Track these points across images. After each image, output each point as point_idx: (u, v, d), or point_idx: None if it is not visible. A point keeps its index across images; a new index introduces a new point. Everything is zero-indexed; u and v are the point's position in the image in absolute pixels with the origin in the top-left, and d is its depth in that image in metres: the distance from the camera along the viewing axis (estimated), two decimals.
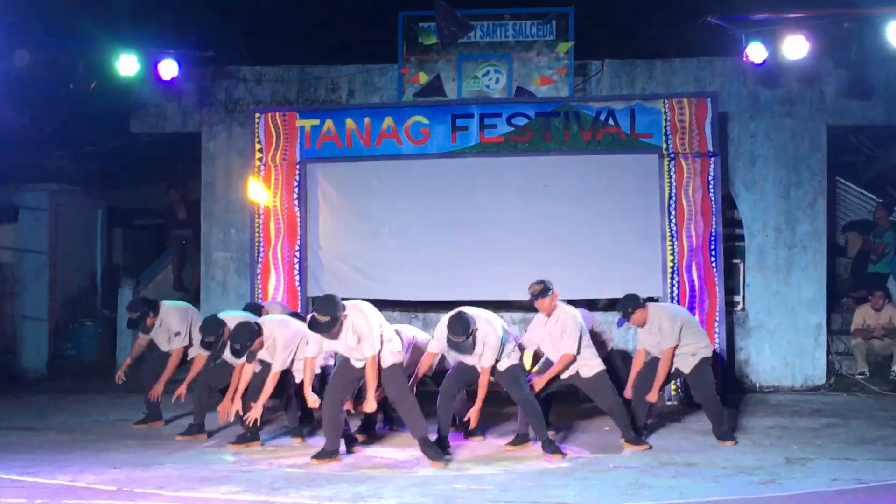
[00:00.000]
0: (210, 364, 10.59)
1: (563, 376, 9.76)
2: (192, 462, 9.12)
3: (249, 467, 8.93)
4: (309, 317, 9.12)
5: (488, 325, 9.37)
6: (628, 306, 9.99)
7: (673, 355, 9.92)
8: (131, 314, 11.16)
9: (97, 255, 17.45)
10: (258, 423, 9.77)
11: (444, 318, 9.41)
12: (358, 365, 9.11)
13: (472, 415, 9.41)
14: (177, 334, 11.07)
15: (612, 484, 8.24)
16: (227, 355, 10.11)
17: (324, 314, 8.87)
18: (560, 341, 9.67)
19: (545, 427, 9.47)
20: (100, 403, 12.76)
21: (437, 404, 9.53)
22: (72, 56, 13.18)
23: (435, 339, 9.58)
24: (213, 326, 10.06)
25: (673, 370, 10.03)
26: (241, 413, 9.69)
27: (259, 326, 9.71)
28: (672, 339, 9.90)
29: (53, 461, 9.12)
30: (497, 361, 9.40)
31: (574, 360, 9.66)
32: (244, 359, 9.75)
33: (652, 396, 9.92)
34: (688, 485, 8.19)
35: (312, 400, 9.17)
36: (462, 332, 9.13)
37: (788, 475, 8.49)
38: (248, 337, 9.59)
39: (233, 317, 10.29)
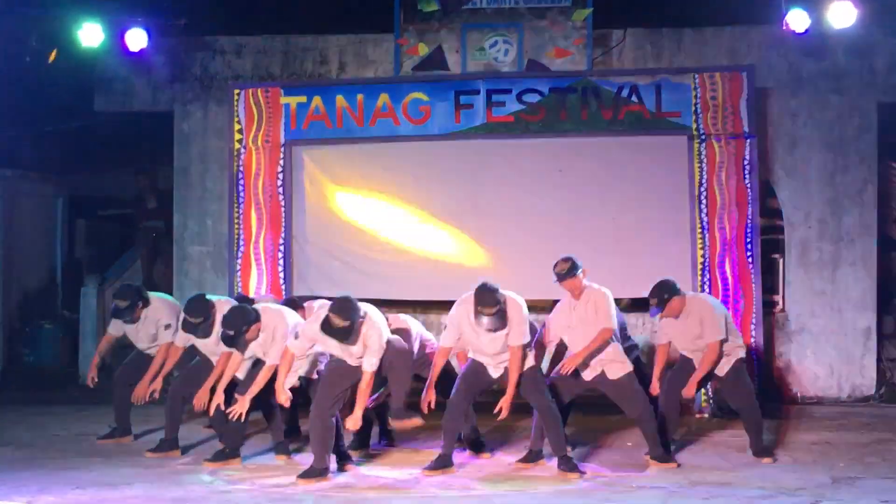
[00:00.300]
0: (183, 363, 10.58)
1: (587, 377, 9.69)
2: (164, 482, 9.11)
3: (228, 487, 8.94)
4: (321, 316, 9.02)
5: (513, 299, 9.35)
6: (664, 293, 9.84)
7: (720, 350, 9.85)
8: (120, 302, 10.82)
9: (57, 250, 17.48)
10: (240, 439, 9.77)
11: (461, 299, 9.37)
12: (354, 364, 9.09)
13: (504, 404, 9.27)
14: (167, 326, 10.81)
15: None
16: (207, 347, 10.07)
17: (343, 318, 8.83)
18: (594, 325, 9.60)
19: (564, 441, 9.44)
20: (60, 416, 12.76)
21: (443, 417, 9.50)
22: (27, 24, 13.18)
23: (449, 326, 9.41)
24: (200, 306, 9.90)
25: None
26: (223, 407, 9.58)
27: (256, 312, 9.59)
28: (719, 330, 9.76)
29: (8, 481, 9.11)
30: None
31: (611, 339, 9.63)
32: (230, 349, 9.66)
33: (689, 390, 9.76)
34: None
35: (285, 397, 9.24)
36: (493, 302, 9.08)
37: (834, 496, 8.48)
38: (243, 322, 9.37)
39: (224, 300, 10.25)
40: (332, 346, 9.11)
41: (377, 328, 9.04)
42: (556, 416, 9.37)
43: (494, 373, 9.51)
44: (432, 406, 9.39)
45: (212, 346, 10.05)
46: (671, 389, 9.98)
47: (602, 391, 9.89)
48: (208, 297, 10.18)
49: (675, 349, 10.13)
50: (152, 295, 11.19)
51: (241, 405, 9.46)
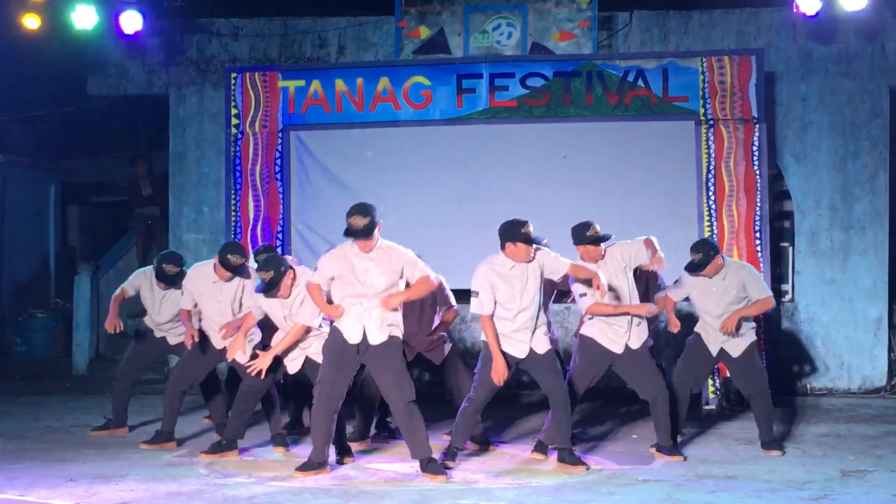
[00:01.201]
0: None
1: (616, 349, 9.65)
2: (159, 474, 9.13)
3: (225, 480, 8.94)
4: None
5: None
6: (710, 249, 9.82)
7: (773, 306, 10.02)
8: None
9: (50, 237, 17.51)
10: (240, 431, 9.78)
11: (479, 269, 9.27)
12: (371, 294, 8.94)
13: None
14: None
15: (641, 499, 8.25)
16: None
17: (363, 216, 8.75)
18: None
19: (570, 432, 9.41)
20: (53, 407, 12.79)
21: (459, 412, 9.48)
22: (19, 6, 13.17)
23: (482, 292, 9.17)
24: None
25: (716, 353, 9.95)
26: (244, 356, 9.59)
27: (289, 264, 9.46)
28: (765, 287, 9.91)
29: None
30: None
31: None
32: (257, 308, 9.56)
33: (730, 323, 9.71)
34: (727, 500, 8.19)
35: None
36: (526, 223, 9.15)
37: (843, 490, 8.49)
38: (280, 263, 9.25)
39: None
40: (349, 275, 8.89)
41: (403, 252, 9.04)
42: (566, 402, 9.26)
43: (516, 349, 9.29)
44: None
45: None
46: (685, 373, 10.01)
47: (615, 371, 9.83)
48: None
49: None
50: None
51: (263, 361, 9.34)
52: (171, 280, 10.40)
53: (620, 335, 9.57)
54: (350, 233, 8.77)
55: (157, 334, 10.99)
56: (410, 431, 8.92)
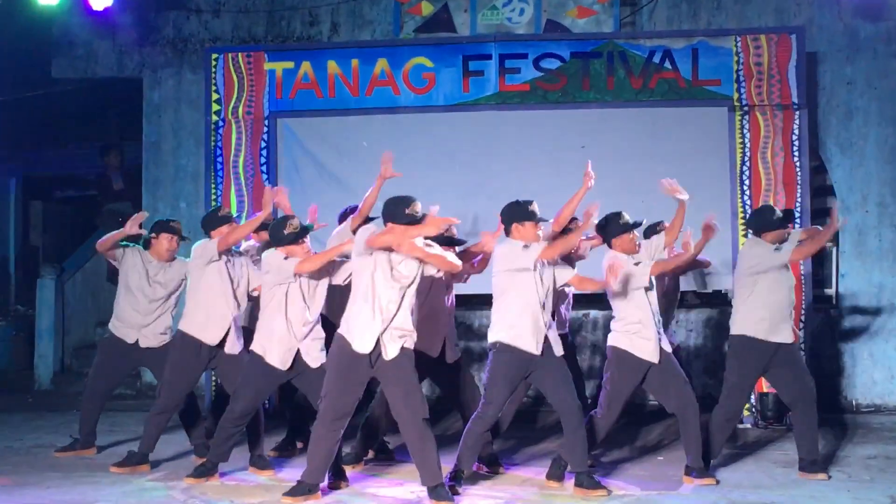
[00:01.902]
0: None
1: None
2: (130, 501, 9.14)
3: None
4: None
5: None
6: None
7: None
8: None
9: (9, 237, 17.52)
10: (226, 453, 9.77)
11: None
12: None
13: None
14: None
15: None
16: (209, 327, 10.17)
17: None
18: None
19: (586, 454, 9.41)
20: (14, 425, 12.80)
21: (465, 431, 9.47)
22: None
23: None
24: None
25: (766, 345, 9.92)
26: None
27: None
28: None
29: None
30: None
31: None
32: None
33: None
34: None
35: None
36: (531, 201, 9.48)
37: None
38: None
39: None
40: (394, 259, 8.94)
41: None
42: (580, 421, 9.28)
43: (535, 347, 9.28)
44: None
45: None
46: (731, 401, 10.01)
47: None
48: None
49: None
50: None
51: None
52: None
53: (650, 338, 9.60)
54: (414, 220, 8.91)
55: (129, 338, 10.96)
56: (421, 454, 8.89)
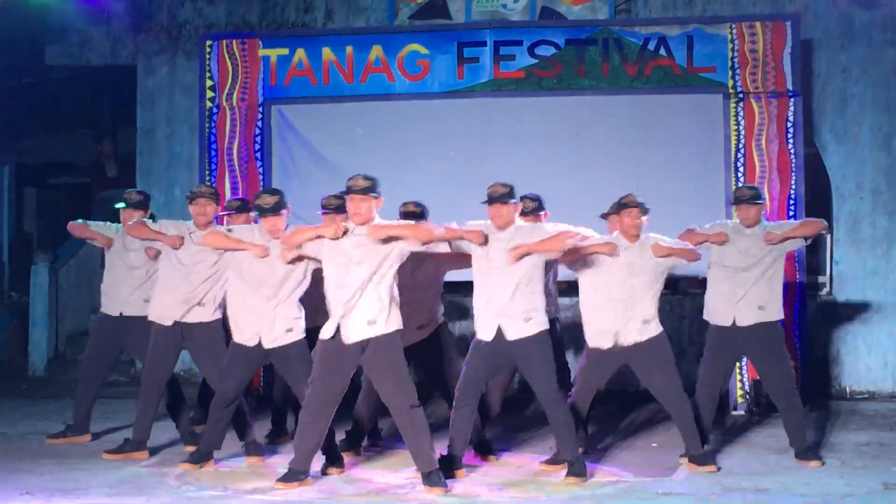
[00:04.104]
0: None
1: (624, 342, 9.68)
2: (124, 487, 9.13)
3: (198, 494, 8.95)
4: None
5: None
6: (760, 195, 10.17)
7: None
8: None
9: (3, 223, 17.50)
10: (219, 440, 9.78)
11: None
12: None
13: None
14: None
15: None
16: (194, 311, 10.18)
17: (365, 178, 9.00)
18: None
19: (576, 442, 9.44)
20: (7, 412, 12.79)
21: (451, 415, 9.49)
22: None
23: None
24: None
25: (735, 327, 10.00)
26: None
27: None
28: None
29: None
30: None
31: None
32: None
33: (774, 238, 9.97)
34: None
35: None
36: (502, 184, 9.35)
37: None
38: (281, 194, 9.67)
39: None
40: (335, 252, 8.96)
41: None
42: (564, 411, 9.25)
43: (487, 334, 9.28)
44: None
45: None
46: (711, 374, 10.06)
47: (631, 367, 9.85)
48: None
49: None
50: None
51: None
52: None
53: (606, 329, 9.67)
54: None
55: (114, 310, 10.99)
56: (414, 441, 8.92)
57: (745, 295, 9.91)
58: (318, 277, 9.27)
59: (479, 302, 9.31)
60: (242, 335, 9.50)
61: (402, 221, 9.11)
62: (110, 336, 11.05)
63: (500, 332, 9.17)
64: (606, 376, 9.88)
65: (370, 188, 8.90)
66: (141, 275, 10.96)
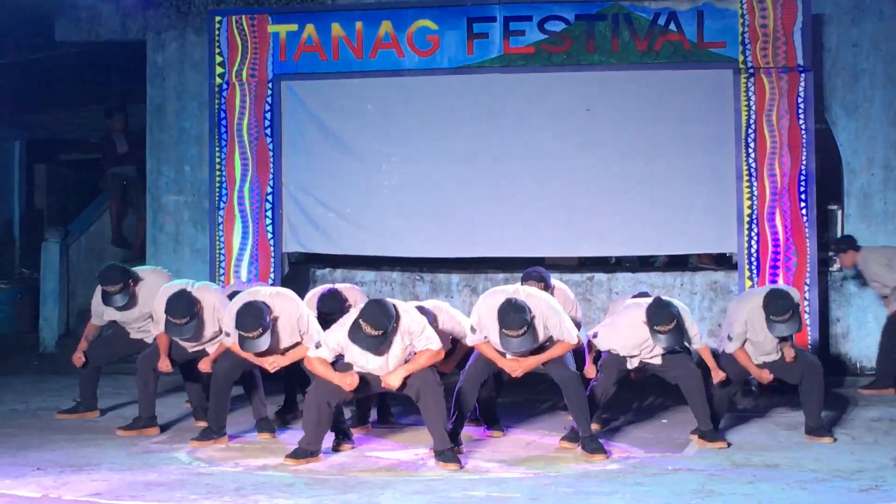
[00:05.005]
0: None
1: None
2: (136, 463, 9.16)
3: (209, 469, 8.97)
4: (347, 323, 9.02)
5: (539, 301, 9.42)
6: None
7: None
8: (109, 287, 10.70)
9: (14, 200, 17.50)
10: (224, 416, 9.83)
11: (482, 306, 9.44)
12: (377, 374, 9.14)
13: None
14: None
15: (672, 490, 8.27)
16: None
17: (374, 327, 8.80)
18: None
19: (589, 419, 9.46)
20: (18, 388, 12.83)
21: (457, 389, 9.53)
22: None
23: (478, 329, 9.50)
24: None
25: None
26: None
27: (264, 307, 9.57)
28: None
29: None
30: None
31: None
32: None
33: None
34: (767, 491, 8.20)
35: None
36: (519, 324, 9.10)
37: None
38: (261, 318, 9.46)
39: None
40: (357, 356, 9.06)
41: (415, 317, 9.12)
42: (579, 389, 9.36)
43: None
44: None
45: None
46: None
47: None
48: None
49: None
50: (141, 269, 11.24)
51: (279, 360, 9.77)
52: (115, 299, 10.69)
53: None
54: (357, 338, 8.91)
55: (134, 335, 11.09)
56: (433, 417, 8.99)
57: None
58: None
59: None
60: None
61: (421, 354, 9.05)
62: (126, 342, 11.16)
63: None
64: (626, 369, 9.93)
65: (384, 334, 8.87)
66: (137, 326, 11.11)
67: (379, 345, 8.82)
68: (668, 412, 11.22)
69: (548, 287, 10.41)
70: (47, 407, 11.58)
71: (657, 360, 9.72)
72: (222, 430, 9.91)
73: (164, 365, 10.23)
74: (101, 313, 11.05)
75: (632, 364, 9.79)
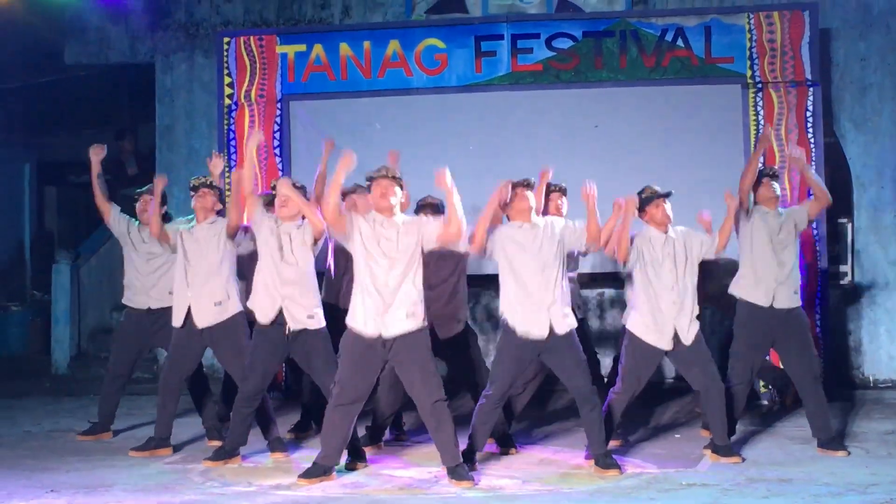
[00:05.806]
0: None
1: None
2: (149, 484, 9.16)
3: (222, 490, 8.97)
4: None
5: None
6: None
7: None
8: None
9: (24, 222, 17.53)
10: (244, 436, 9.79)
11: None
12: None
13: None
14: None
15: None
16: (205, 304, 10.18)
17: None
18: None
19: (604, 435, 9.40)
20: (31, 409, 12.83)
21: (475, 410, 9.45)
22: None
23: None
24: None
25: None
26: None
27: None
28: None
29: None
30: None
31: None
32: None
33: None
34: None
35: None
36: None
37: None
38: None
39: None
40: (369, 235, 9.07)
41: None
42: (596, 404, 9.30)
43: (540, 330, 9.22)
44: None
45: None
46: (750, 351, 10.05)
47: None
48: None
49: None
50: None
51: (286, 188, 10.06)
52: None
53: (661, 330, 9.59)
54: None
55: (139, 304, 11.07)
56: (438, 435, 8.93)
57: (788, 276, 9.94)
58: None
59: (518, 295, 9.23)
60: (266, 316, 9.55)
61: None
62: (135, 330, 11.10)
63: (551, 327, 9.16)
64: (652, 370, 9.91)
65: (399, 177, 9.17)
66: (160, 263, 11.01)
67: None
68: (681, 428, 11.20)
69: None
70: (60, 428, 11.59)
71: (690, 338, 9.63)
72: (237, 450, 9.88)
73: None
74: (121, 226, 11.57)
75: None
